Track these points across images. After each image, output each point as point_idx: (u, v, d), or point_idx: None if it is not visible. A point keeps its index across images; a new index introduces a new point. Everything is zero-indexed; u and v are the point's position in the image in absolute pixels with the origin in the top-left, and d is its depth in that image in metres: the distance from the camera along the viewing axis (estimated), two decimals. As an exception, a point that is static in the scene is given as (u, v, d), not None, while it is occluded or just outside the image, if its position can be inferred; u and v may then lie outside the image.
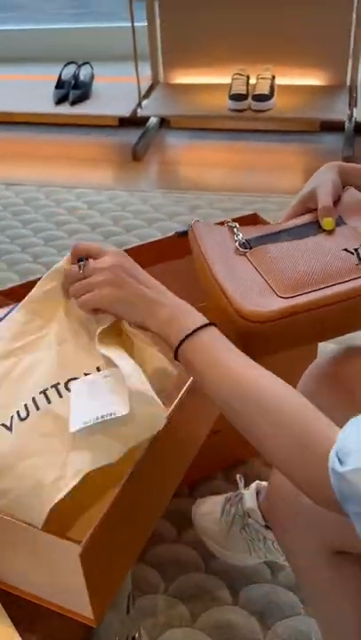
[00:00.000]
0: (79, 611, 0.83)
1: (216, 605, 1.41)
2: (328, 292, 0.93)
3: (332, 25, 3.08)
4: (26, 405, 0.90)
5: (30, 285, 1.61)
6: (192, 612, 1.40)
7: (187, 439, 1.10)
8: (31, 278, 1.68)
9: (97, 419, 0.82)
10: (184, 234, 1.82)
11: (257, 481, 1.37)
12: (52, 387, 0.90)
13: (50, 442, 0.85)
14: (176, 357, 0.86)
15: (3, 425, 0.89)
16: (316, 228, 1.04)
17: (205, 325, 0.85)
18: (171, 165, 3.16)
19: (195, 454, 1.13)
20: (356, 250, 1.00)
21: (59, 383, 0.91)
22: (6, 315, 1.16)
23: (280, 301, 0.93)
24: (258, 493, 1.34)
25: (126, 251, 1.79)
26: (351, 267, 0.98)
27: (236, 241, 1.03)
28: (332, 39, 3.11)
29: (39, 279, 1.66)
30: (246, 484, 1.39)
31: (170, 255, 1.84)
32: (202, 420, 1.15)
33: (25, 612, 0.85)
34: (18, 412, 0.89)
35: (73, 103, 3.28)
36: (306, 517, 0.96)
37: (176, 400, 0.98)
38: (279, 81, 3.16)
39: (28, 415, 0.88)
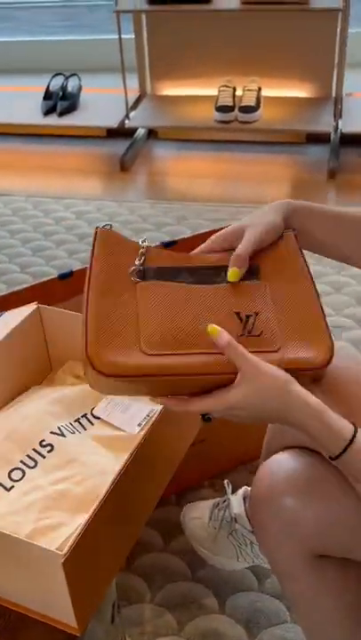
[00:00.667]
0: (63, 619, 0.83)
1: (203, 614, 1.40)
2: (190, 359, 0.82)
3: (317, 37, 3.10)
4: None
5: (17, 295, 1.62)
6: (179, 621, 1.39)
7: (168, 451, 1.10)
8: (17, 288, 1.69)
9: (146, 418, 1.05)
10: (171, 244, 1.83)
11: (244, 486, 1.37)
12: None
13: None
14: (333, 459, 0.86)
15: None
16: (223, 274, 0.90)
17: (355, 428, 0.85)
18: (158, 176, 3.17)
19: (177, 465, 1.13)
20: (248, 317, 0.86)
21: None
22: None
23: (138, 357, 0.82)
24: (245, 499, 1.34)
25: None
26: (231, 334, 0.83)
27: (134, 266, 0.89)
28: (318, 51, 3.14)
29: (25, 289, 1.67)
30: (233, 491, 1.39)
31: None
32: (183, 432, 1.15)
33: (8, 621, 0.84)
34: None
35: (61, 114, 3.28)
36: (286, 520, 0.95)
37: (156, 413, 0.98)
38: (265, 93, 3.17)
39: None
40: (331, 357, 0.87)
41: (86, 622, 0.84)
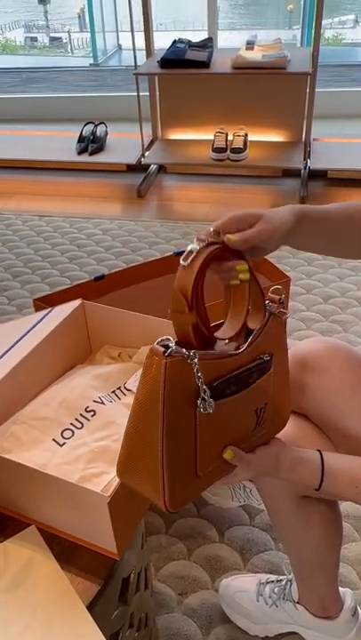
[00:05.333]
0: (106, 547, 0.81)
1: (206, 543, 1.39)
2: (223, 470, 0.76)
3: (291, 95, 3.08)
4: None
5: (59, 294, 1.60)
6: (188, 548, 1.38)
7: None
8: (59, 289, 1.67)
9: None
10: (180, 254, 1.81)
11: None
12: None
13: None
14: (318, 489, 0.81)
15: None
16: (255, 375, 0.72)
17: (320, 454, 0.82)
18: (167, 201, 3.15)
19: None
20: (260, 410, 0.75)
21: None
22: (43, 317, 1.14)
23: (196, 484, 0.72)
24: None
25: (133, 267, 1.79)
26: (248, 432, 0.75)
27: (199, 397, 0.66)
28: (292, 105, 3.11)
29: (65, 290, 1.65)
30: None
31: (167, 270, 1.83)
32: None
33: (64, 548, 0.83)
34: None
35: (91, 154, 3.26)
36: None
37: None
38: (251, 137, 3.15)
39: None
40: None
41: (124, 549, 0.83)
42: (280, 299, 0.75)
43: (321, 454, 0.82)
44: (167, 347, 0.64)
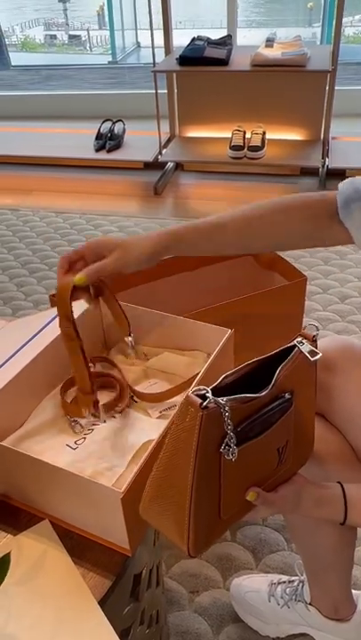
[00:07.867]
0: (119, 543, 0.81)
1: (218, 542, 1.39)
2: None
3: (310, 93, 3.07)
4: None
5: (73, 290, 1.59)
6: (200, 546, 1.38)
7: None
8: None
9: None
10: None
11: None
12: None
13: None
14: (343, 523, 0.81)
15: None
16: (277, 415, 0.71)
17: (342, 488, 0.81)
18: (183, 199, 3.15)
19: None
20: (282, 449, 0.75)
21: None
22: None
23: (219, 527, 0.73)
24: None
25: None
26: (271, 471, 0.75)
27: (225, 443, 0.65)
28: (310, 104, 3.10)
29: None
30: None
31: (183, 268, 1.83)
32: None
33: (77, 543, 0.83)
34: None
35: (109, 151, 3.28)
36: None
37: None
38: (269, 136, 3.14)
39: None
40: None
41: (136, 545, 0.83)
42: (314, 337, 0.74)
43: (343, 488, 0.81)
44: (204, 397, 0.62)
